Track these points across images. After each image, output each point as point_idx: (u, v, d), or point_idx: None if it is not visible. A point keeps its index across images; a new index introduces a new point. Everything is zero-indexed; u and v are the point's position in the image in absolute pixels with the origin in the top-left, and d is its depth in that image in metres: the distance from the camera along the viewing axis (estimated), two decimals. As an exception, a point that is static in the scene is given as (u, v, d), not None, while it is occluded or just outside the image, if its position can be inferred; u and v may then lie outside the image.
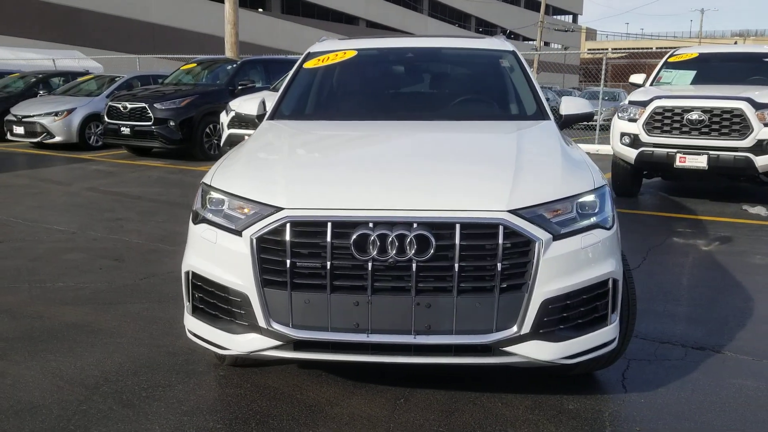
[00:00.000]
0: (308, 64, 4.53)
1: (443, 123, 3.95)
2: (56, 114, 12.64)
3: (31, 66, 22.28)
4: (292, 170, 3.11)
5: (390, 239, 2.61)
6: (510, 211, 2.69)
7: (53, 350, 3.75)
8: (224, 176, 3.08)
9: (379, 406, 3.16)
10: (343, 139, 3.81)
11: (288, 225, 2.70)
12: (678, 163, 7.67)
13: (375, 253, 2.62)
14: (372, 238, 2.62)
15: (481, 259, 2.66)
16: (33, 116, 12.80)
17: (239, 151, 3.47)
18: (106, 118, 11.90)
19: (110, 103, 11.87)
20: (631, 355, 3.77)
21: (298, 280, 2.70)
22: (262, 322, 2.73)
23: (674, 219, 7.61)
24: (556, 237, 2.74)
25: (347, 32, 53.32)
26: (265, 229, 2.72)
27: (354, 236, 2.63)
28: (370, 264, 2.63)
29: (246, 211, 2.83)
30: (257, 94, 6.57)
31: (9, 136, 13.42)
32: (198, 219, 2.99)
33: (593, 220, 2.88)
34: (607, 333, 2.88)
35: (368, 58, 4.61)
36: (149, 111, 11.36)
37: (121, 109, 11.65)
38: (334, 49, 4.61)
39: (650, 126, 7.80)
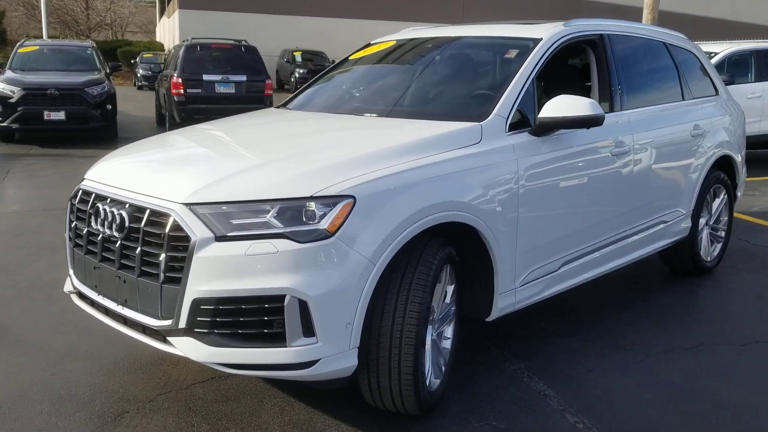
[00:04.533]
0: (354, 55, 4.65)
1: (370, 120, 3.70)
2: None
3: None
4: (134, 147, 3.59)
5: (108, 215, 2.92)
6: (186, 204, 2.68)
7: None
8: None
9: (148, 387, 3.42)
10: (228, 128, 3.97)
11: (80, 192, 3.24)
12: None
13: (99, 225, 2.97)
14: (101, 211, 2.97)
15: (155, 247, 2.74)
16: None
17: None
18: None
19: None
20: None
21: (76, 240, 3.22)
22: (69, 269, 3.34)
23: None
24: (220, 238, 2.60)
25: None
26: (73, 194, 3.31)
27: (95, 208, 3.02)
28: (101, 235, 2.99)
29: None
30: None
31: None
32: None
33: (289, 229, 2.59)
34: (282, 354, 2.59)
35: (394, 50, 4.44)
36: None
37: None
38: (384, 39, 4.59)
39: None
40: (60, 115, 11.20)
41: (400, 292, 2.77)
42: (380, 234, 2.69)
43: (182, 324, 2.66)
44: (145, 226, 2.77)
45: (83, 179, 3.32)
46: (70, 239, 3.28)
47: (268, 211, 2.63)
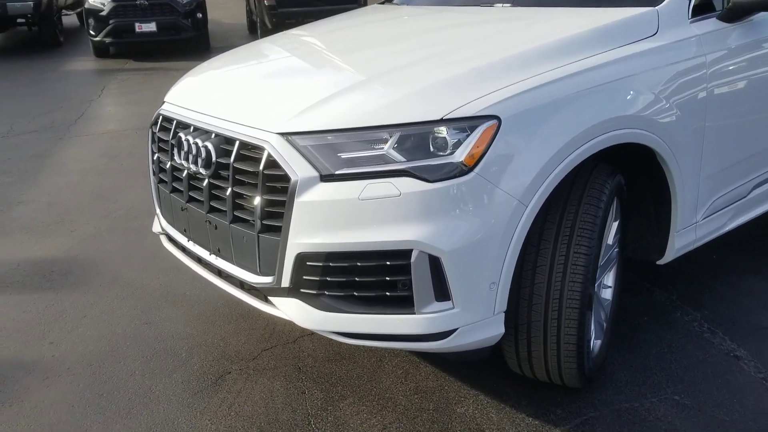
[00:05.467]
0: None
1: (503, 11, 2.95)
2: None
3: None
4: (218, 61, 3.01)
5: (192, 147, 2.39)
6: (283, 134, 2.10)
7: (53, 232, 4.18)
8: None
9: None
10: (328, 33, 3.29)
11: (160, 118, 2.73)
12: None
13: (183, 159, 2.45)
14: (183, 142, 2.44)
15: (248, 188, 2.20)
16: None
17: None
18: None
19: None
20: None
21: (160, 175, 2.74)
22: (155, 208, 2.89)
23: None
24: (326, 177, 2.02)
25: None
26: (153, 120, 2.81)
27: (177, 138, 2.50)
28: (186, 171, 2.48)
29: None
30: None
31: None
32: None
33: (414, 163, 1.97)
34: (410, 323, 2.03)
35: None
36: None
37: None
38: None
39: None
40: (151, 27, 10.84)
41: (559, 240, 2.14)
42: (534, 165, 2.03)
43: (285, 283, 2.14)
44: (235, 161, 2.22)
45: (163, 102, 2.80)
46: (154, 173, 2.80)
47: (385, 141, 2.01)
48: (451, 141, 1.98)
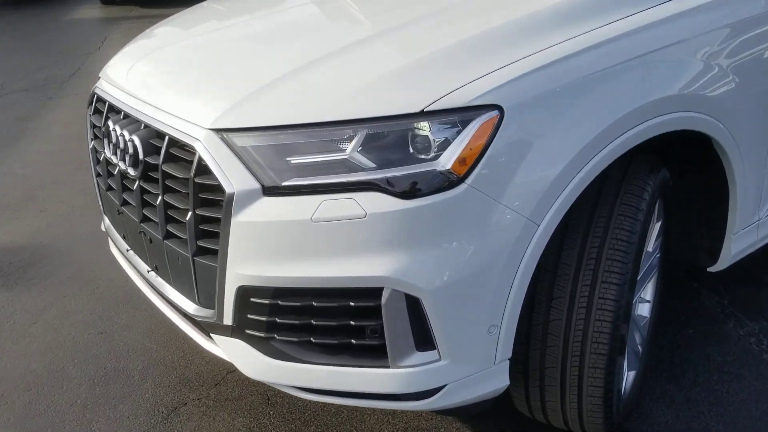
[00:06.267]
0: None
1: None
2: None
3: None
4: (175, 20, 2.51)
5: (120, 140, 1.90)
6: (216, 130, 1.60)
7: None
8: None
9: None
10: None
11: (95, 97, 2.24)
12: None
13: (112, 153, 1.97)
14: (112, 132, 1.96)
15: (179, 198, 1.72)
16: None
17: None
18: None
19: None
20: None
21: (97, 167, 2.27)
22: (100, 204, 2.44)
23: None
24: (270, 190, 1.52)
25: None
26: (89, 99, 2.32)
27: (107, 126, 2.02)
28: (117, 168, 2.00)
29: None
30: None
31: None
32: None
33: (385, 173, 1.46)
34: (382, 379, 1.56)
35: None
36: None
37: None
38: None
39: None
40: (156, -30, 10.23)
41: (582, 265, 1.63)
42: (549, 170, 1.50)
43: (227, 320, 1.67)
44: (164, 162, 1.73)
45: (98, 77, 2.31)
46: (93, 164, 2.34)
47: (348, 140, 1.50)
48: (435, 141, 1.46)
